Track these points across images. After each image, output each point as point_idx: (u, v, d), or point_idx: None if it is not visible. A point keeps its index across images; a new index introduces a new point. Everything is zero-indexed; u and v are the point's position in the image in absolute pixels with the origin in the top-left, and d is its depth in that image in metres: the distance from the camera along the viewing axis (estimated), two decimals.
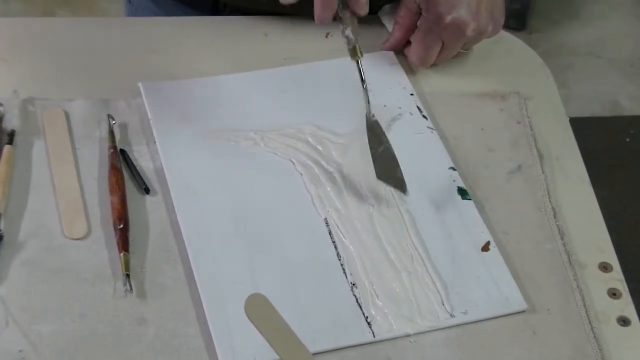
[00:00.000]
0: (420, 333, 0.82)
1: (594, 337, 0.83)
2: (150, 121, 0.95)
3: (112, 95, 0.98)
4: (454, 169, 0.94)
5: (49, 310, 0.81)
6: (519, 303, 0.84)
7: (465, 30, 1.00)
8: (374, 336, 0.81)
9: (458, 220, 0.90)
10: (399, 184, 0.92)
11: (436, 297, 0.84)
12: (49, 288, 0.82)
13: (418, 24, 1.02)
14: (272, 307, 0.74)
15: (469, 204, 0.91)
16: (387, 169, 0.92)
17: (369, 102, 0.95)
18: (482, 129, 1.01)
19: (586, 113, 2.28)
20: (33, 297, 0.82)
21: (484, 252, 0.88)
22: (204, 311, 0.81)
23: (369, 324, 0.82)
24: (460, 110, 1.02)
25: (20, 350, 0.78)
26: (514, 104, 1.03)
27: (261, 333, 0.73)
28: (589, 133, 2.18)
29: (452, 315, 0.83)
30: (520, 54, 1.11)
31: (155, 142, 0.94)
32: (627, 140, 2.22)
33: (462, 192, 0.92)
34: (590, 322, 0.85)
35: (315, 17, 0.93)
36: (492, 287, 0.85)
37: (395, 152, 0.95)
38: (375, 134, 0.94)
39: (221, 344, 0.79)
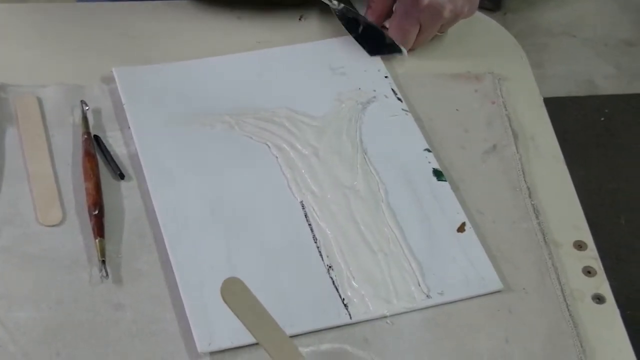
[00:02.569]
0: (396, 314, 0.82)
1: (570, 315, 0.84)
2: (124, 106, 0.95)
3: (85, 81, 0.98)
4: (429, 150, 0.95)
5: (25, 297, 0.80)
6: (495, 283, 0.85)
7: (443, 12, 1.00)
8: (350, 318, 0.81)
9: (434, 201, 0.90)
10: (393, 48, 1.01)
11: (412, 278, 0.84)
12: (25, 275, 0.82)
13: (394, 8, 1.02)
14: (248, 291, 0.74)
15: (444, 186, 0.92)
16: (376, 42, 1.00)
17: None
18: (457, 109, 1.01)
19: (561, 93, 2.29)
20: (8, 284, 0.81)
21: (460, 233, 0.88)
22: (180, 296, 0.81)
23: (345, 305, 0.82)
24: (435, 91, 1.02)
25: None
26: (488, 84, 1.03)
27: (237, 317, 0.73)
28: (564, 112, 2.19)
29: (428, 296, 0.83)
30: (494, 35, 1.11)
31: (129, 127, 0.94)
32: (602, 119, 2.23)
33: (438, 174, 0.93)
34: (565, 300, 0.85)
35: None
36: (468, 268, 0.85)
37: (371, 135, 0.95)
38: (350, 19, 0.98)
39: (198, 328, 0.79)
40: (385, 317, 0.82)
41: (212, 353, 0.78)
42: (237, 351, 0.79)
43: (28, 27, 1.04)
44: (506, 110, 1.01)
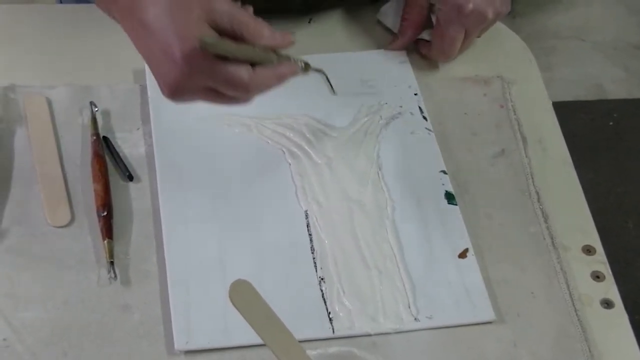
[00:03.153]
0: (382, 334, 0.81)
1: (578, 319, 0.84)
2: (149, 99, 0.95)
3: (95, 82, 0.98)
4: (445, 172, 0.93)
5: (32, 297, 0.81)
6: (487, 313, 0.83)
7: (487, 14, 0.99)
8: (333, 332, 0.81)
9: (440, 224, 0.89)
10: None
11: (403, 299, 0.83)
12: (33, 276, 0.82)
13: (436, 18, 1.01)
14: (256, 293, 0.74)
15: (454, 210, 0.90)
16: None
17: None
18: (466, 113, 1.01)
19: (570, 97, 2.28)
20: (16, 284, 0.81)
21: (461, 259, 0.87)
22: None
23: (330, 319, 0.81)
24: (443, 95, 1.02)
25: (4, 339, 0.78)
26: (497, 88, 1.03)
27: (245, 319, 0.73)
28: (573, 116, 2.19)
29: (416, 319, 0.82)
30: (503, 38, 1.11)
31: (138, 128, 0.94)
32: (611, 123, 2.22)
33: (449, 197, 0.91)
34: (573, 304, 0.85)
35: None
36: (462, 295, 0.84)
37: (389, 151, 0.94)
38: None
39: (178, 326, 0.79)
40: (369, 335, 0.81)
41: (188, 352, 0.79)
42: (215, 352, 0.79)
43: (37, 28, 1.04)
44: (515, 114, 1.01)
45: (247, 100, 0.81)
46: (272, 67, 0.81)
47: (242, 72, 0.78)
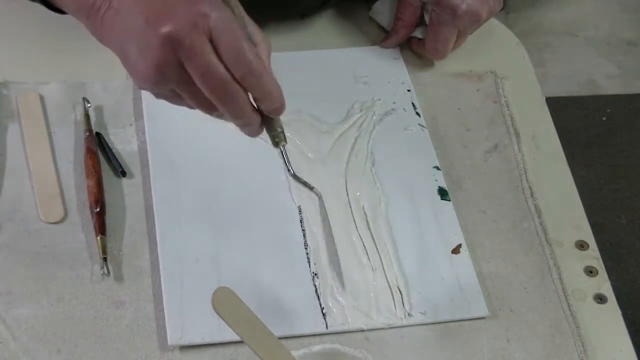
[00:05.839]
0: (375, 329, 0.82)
1: (571, 314, 0.84)
2: (142, 94, 0.94)
3: (88, 78, 0.97)
4: (438, 168, 0.94)
5: (26, 294, 0.81)
6: (481, 309, 0.84)
7: (481, 15, 0.99)
8: (326, 327, 0.81)
9: (433, 220, 0.89)
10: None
11: (397, 295, 0.84)
12: (26, 272, 0.82)
13: (429, 19, 1.01)
14: (238, 299, 0.74)
15: (447, 205, 0.91)
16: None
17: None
18: (459, 108, 1.01)
19: (563, 92, 2.29)
20: (10, 281, 0.81)
21: (454, 255, 0.87)
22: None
23: (323, 315, 0.81)
24: (437, 91, 1.02)
25: None
26: (490, 83, 1.03)
27: (230, 326, 0.73)
28: (566, 112, 2.19)
29: (409, 315, 0.82)
30: (496, 34, 1.11)
31: (131, 125, 0.94)
32: (604, 119, 2.23)
33: (442, 193, 0.92)
34: (567, 299, 0.85)
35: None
36: (455, 291, 0.84)
37: (382, 147, 0.94)
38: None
39: (172, 320, 0.79)
40: (363, 330, 0.81)
41: (182, 347, 0.79)
42: (208, 348, 0.79)
43: (30, 24, 1.04)
44: (508, 109, 1.01)
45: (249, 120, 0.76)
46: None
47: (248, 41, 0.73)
